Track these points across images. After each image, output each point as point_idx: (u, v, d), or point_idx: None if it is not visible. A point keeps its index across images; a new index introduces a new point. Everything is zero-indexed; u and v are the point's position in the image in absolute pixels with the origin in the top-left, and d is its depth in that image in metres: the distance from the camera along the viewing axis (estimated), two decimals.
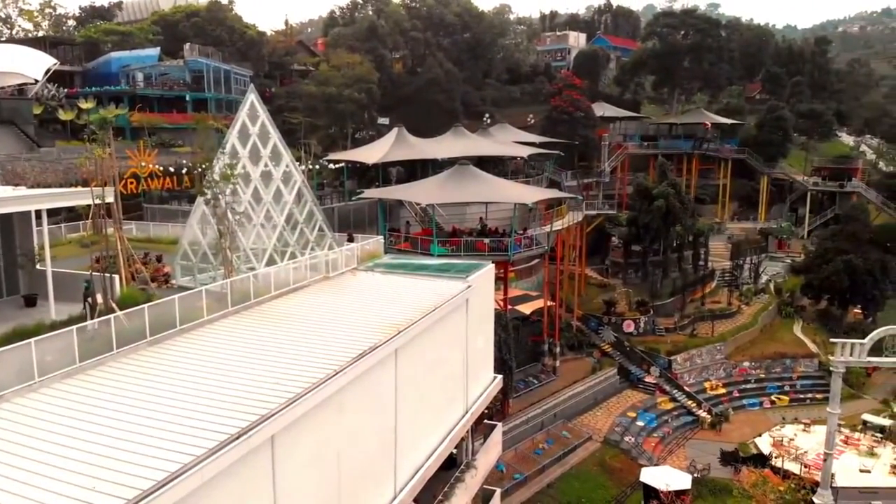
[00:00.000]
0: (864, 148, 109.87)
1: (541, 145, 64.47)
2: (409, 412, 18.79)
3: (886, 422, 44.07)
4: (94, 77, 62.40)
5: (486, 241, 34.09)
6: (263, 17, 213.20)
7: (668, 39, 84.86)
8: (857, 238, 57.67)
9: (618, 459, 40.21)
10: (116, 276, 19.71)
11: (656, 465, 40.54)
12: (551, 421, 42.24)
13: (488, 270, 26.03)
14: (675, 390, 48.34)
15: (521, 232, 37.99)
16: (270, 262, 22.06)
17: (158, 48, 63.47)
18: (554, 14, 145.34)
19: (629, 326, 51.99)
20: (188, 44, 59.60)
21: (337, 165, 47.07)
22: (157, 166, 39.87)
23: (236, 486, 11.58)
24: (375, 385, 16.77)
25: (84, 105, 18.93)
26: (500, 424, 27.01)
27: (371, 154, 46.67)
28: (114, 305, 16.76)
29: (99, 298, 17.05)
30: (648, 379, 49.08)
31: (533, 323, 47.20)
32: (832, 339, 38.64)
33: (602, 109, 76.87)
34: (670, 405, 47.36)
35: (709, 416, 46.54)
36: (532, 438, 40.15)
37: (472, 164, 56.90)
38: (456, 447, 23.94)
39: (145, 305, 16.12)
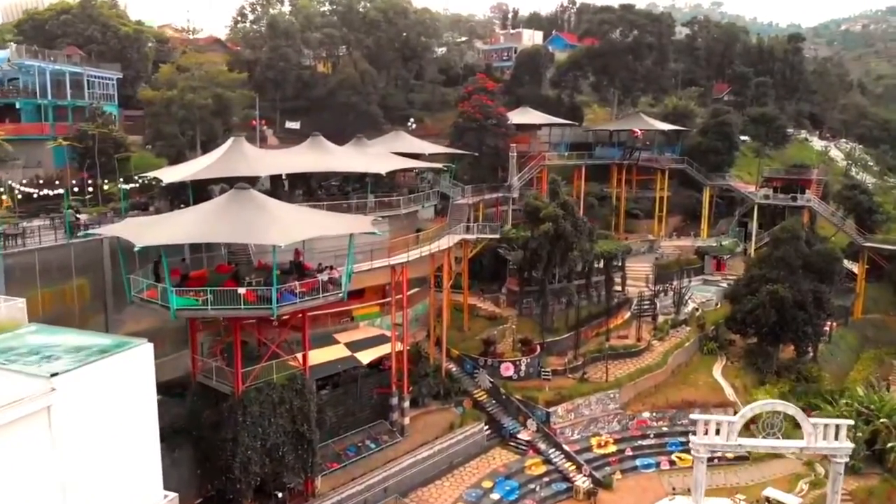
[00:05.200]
0: (833, 153, 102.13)
1: (448, 156, 57.71)
2: None
3: (793, 500, 36.22)
4: None
5: (242, 290, 26.71)
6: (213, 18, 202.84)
7: (607, 37, 77.23)
8: (787, 264, 50.04)
9: None
10: None
11: None
12: (380, 497, 34.89)
13: (134, 353, 18.94)
14: (552, 449, 40.84)
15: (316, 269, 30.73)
16: None
17: (8, 51, 56.35)
18: (516, 12, 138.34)
19: (507, 370, 44.54)
20: (13, 44, 52.59)
21: (130, 185, 39.90)
22: None
23: None
24: None
25: None
26: None
27: (190, 168, 39.53)
28: None
29: None
30: (523, 435, 41.65)
31: (382, 372, 39.99)
32: (692, 416, 31.19)
33: (525, 115, 69.34)
34: (542, 468, 39.81)
35: (588, 483, 39.00)
36: None
37: (339, 179, 50.62)
38: None
39: None
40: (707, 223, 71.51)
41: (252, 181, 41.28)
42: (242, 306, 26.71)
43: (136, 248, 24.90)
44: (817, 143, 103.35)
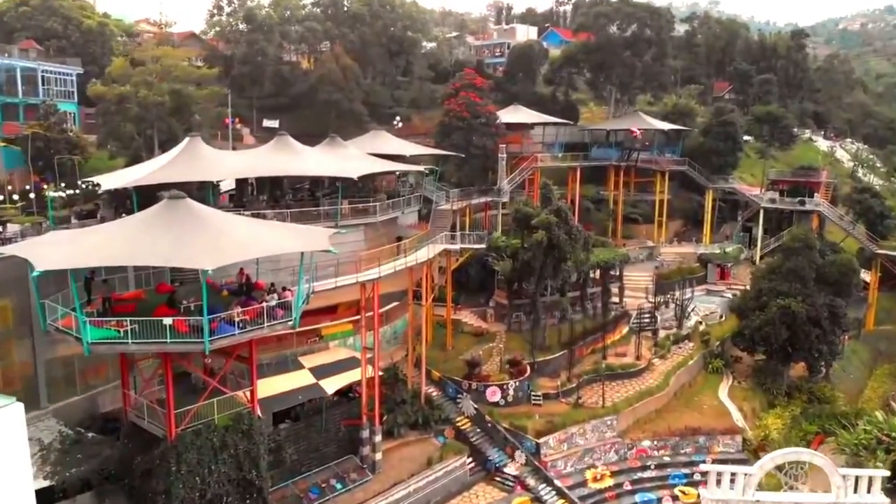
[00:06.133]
0: (840, 154, 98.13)
1: (434, 157, 53.79)
2: None
3: None
4: None
5: (169, 320, 22.54)
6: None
7: (603, 31, 73.07)
8: (800, 276, 46.01)
9: None
10: None
11: None
12: None
13: None
14: (543, 485, 36.69)
15: (270, 291, 26.58)
16: None
17: None
18: (510, 8, 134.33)
19: (494, 394, 40.43)
20: None
21: (69, 191, 35.86)
22: None
23: None
24: None
25: None
26: None
27: (136, 172, 35.40)
28: None
29: None
30: (510, 469, 37.47)
31: (351, 400, 35.85)
32: (703, 467, 27.11)
33: (517, 113, 65.21)
34: None
35: None
36: None
37: (307, 183, 46.58)
38: None
39: None
40: (710, 228, 67.48)
41: (204, 187, 37.51)
42: (169, 339, 22.50)
43: (33, 274, 20.66)
44: (822, 144, 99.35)
